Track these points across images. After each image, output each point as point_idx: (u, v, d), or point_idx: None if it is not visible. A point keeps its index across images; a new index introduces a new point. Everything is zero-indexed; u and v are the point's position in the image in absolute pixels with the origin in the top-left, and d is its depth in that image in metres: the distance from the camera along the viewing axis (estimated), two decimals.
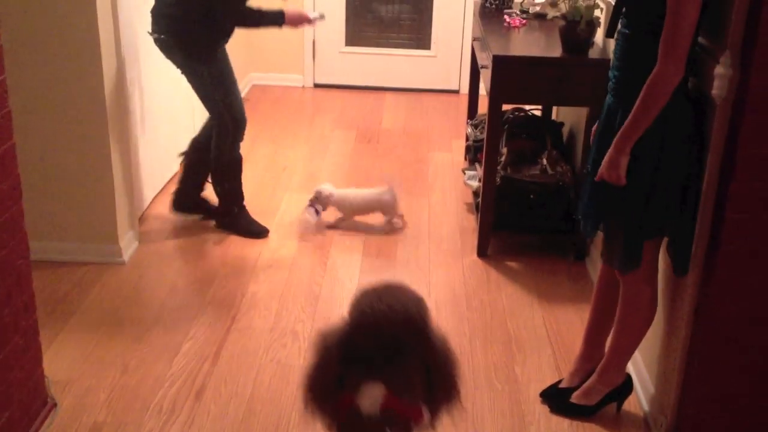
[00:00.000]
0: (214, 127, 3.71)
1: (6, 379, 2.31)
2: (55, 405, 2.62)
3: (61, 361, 2.86)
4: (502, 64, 3.44)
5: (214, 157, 3.76)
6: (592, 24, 3.42)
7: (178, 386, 2.77)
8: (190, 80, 3.60)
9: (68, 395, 2.69)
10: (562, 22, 3.50)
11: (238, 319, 3.18)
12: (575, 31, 3.42)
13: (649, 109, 2.24)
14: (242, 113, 3.73)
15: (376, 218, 4.07)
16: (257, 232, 3.88)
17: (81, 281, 3.38)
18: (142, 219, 3.86)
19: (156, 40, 3.50)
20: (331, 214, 4.06)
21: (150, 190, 4.04)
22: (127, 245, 3.58)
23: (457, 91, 6.25)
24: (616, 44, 2.42)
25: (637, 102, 2.24)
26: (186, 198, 3.89)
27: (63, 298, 3.25)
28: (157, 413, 2.63)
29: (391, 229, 4.01)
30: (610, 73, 2.46)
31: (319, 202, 3.98)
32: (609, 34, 2.48)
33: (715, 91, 2.24)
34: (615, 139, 2.32)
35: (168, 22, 3.44)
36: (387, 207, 4.01)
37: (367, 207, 4.05)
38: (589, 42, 3.47)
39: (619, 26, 2.39)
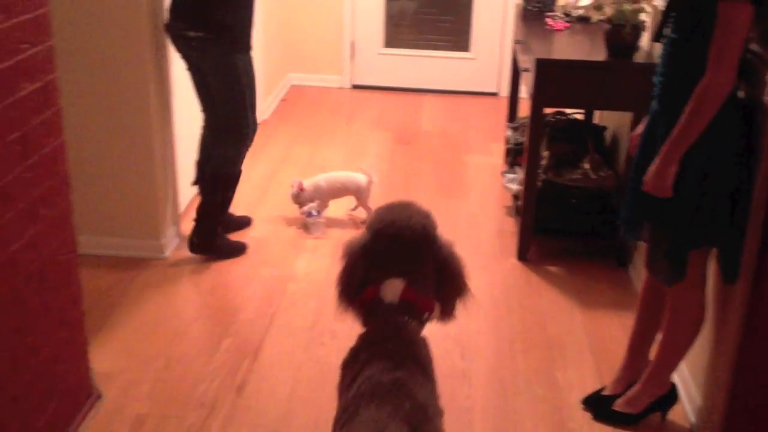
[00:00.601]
0: (228, 133, 3.48)
1: (53, 371, 2.34)
2: (99, 396, 2.65)
3: (105, 353, 2.90)
4: (545, 67, 3.42)
5: (222, 164, 3.51)
6: (638, 28, 3.39)
7: (219, 381, 2.79)
8: (221, 78, 3.36)
9: (112, 387, 2.72)
10: (606, 26, 3.47)
11: (278, 317, 3.20)
12: (620, 34, 3.39)
13: (698, 119, 2.20)
14: (255, 118, 3.55)
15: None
16: (240, 248, 3.69)
17: (124, 275, 3.42)
18: (182, 215, 3.89)
19: (191, 40, 3.29)
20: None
21: (190, 187, 4.06)
22: (169, 241, 3.62)
23: (496, 94, 6.22)
24: (663, 49, 2.39)
25: (686, 111, 2.21)
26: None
27: (106, 291, 3.29)
28: (199, 407, 2.65)
29: (356, 215, 4.12)
30: (655, 79, 2.43)
31: (299, 200, 4.01)
32: (656, 38, 2.45)
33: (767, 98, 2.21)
34: (663, 149, 2.28)
35: (205, 18, 3.26)
36: (363, 191, 4.06)
37: (343, 189, 4.11)
38: (634, 46, 3.43)
39: (667, 31, 2.36)
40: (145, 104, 3.34)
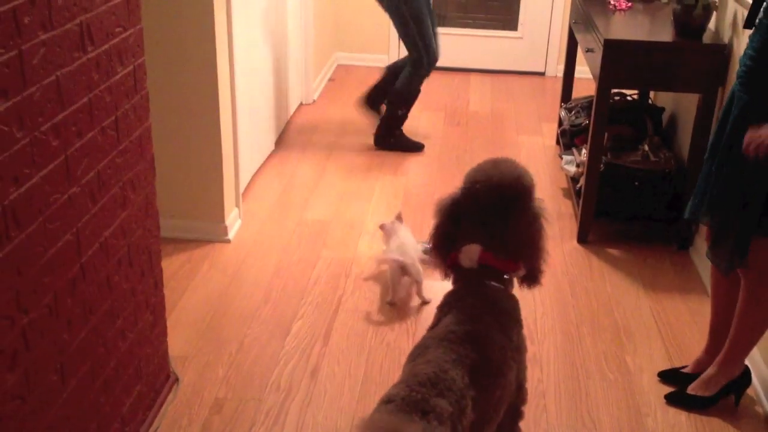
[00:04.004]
0: (409, 60, 4.54)
1: (137, 355, 2.37)
2: (177, 380, 2.68)
3: (178, 337, 2.92)
4: (613, 48, 3.38)
5: (403, 84, 4.57)
6: (709, 8, 3.34)
7: (293, 365, 2.81)
8: (393, 19, 4.47)
9: (188, 371, 2.75)
10: (675, 6, 3.42)
11: (345, 301, 3.21)
12: (690, 15, 3.34)
13: None
14: (435, 52, 4.55)
15: None
16: (418, 146, 4.71)
17: (189, 259, 3.44)
18: (243, 197, 3.90)
19: None
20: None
21: (250, 167, 4.08)
22: (232, 223, 3.63)
23: (543, 74, 6.17)
24: (754, 33, 2.35)
25: None
26: (373, 98, 4.79)
27: (173, 275, 3.31)
28: (276, 391, 2.67)
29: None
30: (742, 61, 2.39)
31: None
32: (748, 24, 2.40)
33: None
34: None
35: None
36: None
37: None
38: (704, 27, 3.38)
39: (761, 15, 2.32)
40: (213, 86, 3.33)
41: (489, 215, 2.00)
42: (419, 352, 1.87)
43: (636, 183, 3.68)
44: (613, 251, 3.69)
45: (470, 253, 2.00)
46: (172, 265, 3.37)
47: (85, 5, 1.87)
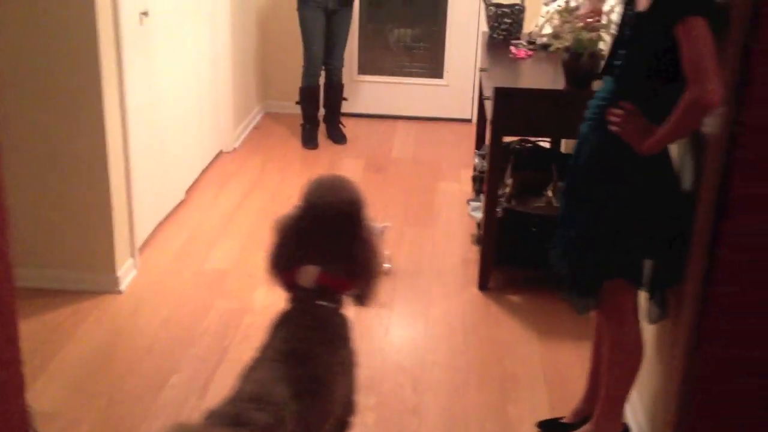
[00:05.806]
0: None
1: None
2: None
3: (50, 392, 2.84)
4: (503, 96, 3.40)
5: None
6: (596, 57, 3.38)
7: (163, 420, 2.73)
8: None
9: (52, 428, 2.67)
10: (563, 54, 3.45)
11: (230, 351, 3.15)
12: (578, 63, 3.38)
13: (683, 130, 2.21)
14: (311, 60, 5.44)
15: None
16: (308, 142, 5.54)
17: (77, 311, 3.37)
18: (143, 247, 3.85)
19: None
20: None
21: (153, 217, 4.03)
22: (125, 274, 3.57)
23: (469, 120, 6.21)
24: (611, 77, 2.39)
25: (670, 121, 2.16)
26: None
27: (57, 327, 3.23)
28: None
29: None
30: (595, 102, 2.42)
31: None
32: (605, 71, 2.43)
33: (706, 128, 2.19)
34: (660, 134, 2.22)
35: None
36: None
37: None
38: (592, 74, 3.42)
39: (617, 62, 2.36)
40: (101, 135, 3.29)
41: (327, 237, 2.08)
42: (247, 373, 1.95)
43: (534, 229, 3.68)
44: (513, 298, 3.67)
45: (309, 274, 2.06)
46: (57, 318, 3.30)
47: None
